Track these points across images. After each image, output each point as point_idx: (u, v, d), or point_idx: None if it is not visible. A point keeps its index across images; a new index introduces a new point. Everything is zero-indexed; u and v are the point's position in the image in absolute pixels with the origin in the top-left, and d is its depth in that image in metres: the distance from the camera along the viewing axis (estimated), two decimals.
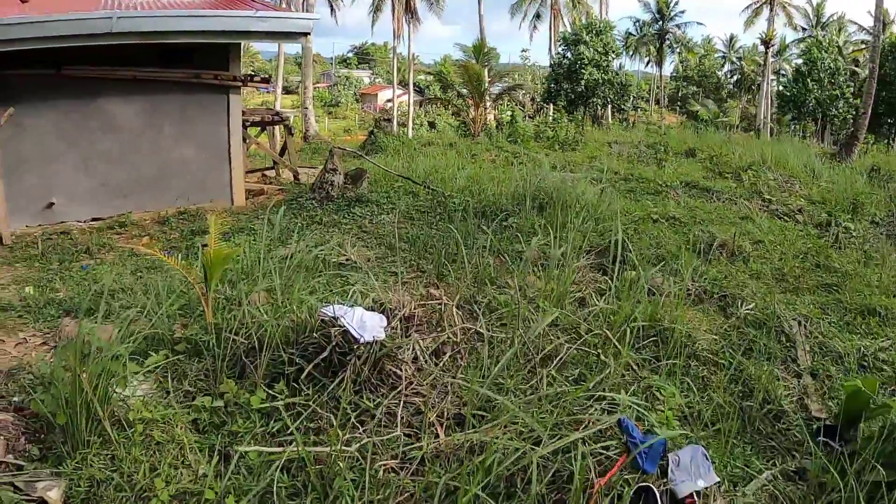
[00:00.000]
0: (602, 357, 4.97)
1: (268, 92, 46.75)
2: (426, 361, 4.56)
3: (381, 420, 4.10)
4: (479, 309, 5.53)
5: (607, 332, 5.21)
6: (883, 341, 5.91)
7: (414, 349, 4.59)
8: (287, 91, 55.14)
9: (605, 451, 3.97)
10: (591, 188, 9.62)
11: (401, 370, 4.37)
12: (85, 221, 10.00)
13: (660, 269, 6.76)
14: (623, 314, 5.43)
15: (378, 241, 8.05)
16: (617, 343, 5.11)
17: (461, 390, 4.40)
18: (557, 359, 4.79)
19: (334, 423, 3.96)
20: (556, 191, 9.12)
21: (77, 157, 10.01)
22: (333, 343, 4.38)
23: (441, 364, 4.61)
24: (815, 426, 4.70)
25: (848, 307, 6.69)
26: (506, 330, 5.26)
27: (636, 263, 6.73)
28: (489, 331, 5.04)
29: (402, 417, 4.11)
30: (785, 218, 10.63)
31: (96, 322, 4.63)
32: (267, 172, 14.94)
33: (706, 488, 3.94)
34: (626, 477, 3.86)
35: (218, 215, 9.90)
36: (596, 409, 4.29)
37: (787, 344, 5.80)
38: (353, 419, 4.10)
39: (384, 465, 3.75)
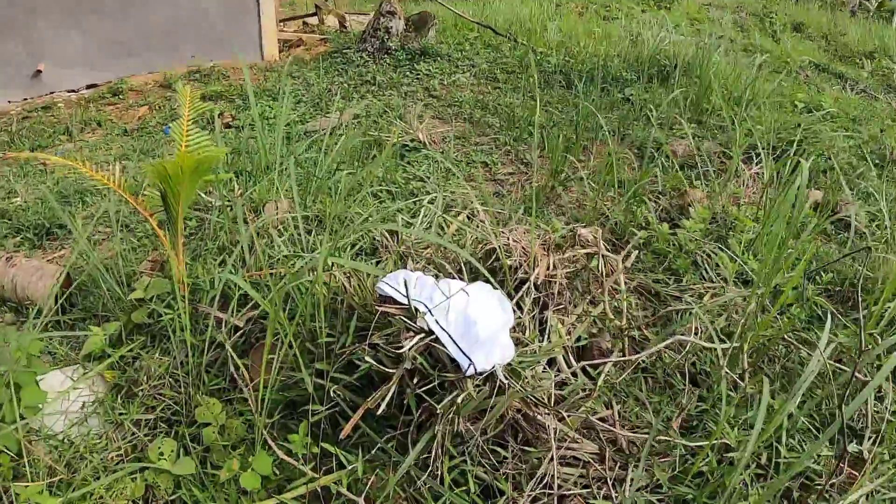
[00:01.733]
0: None
1: None
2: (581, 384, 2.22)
3: None
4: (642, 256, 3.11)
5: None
6: None
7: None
8: None
9: None
10: (726, 60, 6.74)
11: (545, 423, 2.02)
12: (79, 90, 7.61)
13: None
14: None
15: (454, 112, 5.50)
16: None
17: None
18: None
19: None
20: (683, 57, 6.36)
21: (65, 9, 7.47)
22: (406, 367, 2.02)
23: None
24: None
25: None
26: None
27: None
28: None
29: None
30: None
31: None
32: (308, 20, 12.23)
33: None
34: None
35: (235, 72, 7.49)
36: None
37: None
38: None
39: None
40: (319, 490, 2.04)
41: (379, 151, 4.42)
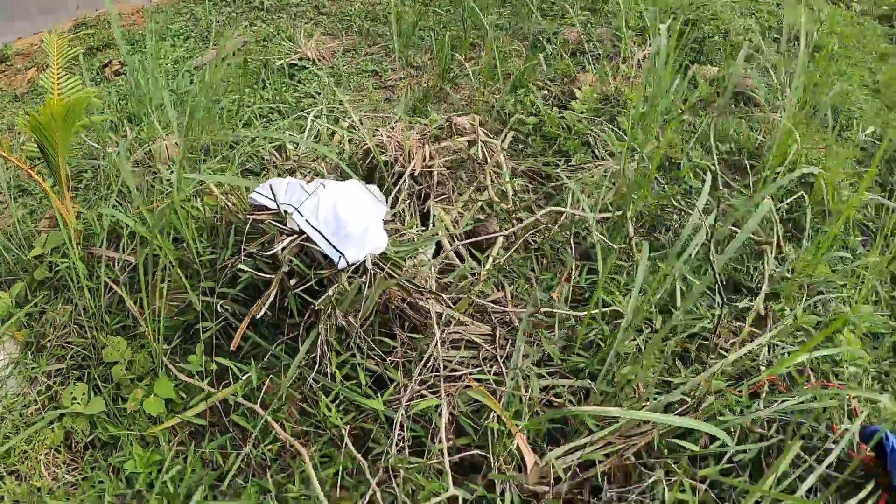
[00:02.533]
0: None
1: None
2: (468, 269, 2.26)
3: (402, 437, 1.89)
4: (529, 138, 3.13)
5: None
6: None
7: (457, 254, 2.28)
8: None
9: None
10: None
11: (429, 309, 2.07)
12: None
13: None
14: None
15: (344, 27, 5.37)
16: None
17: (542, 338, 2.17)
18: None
19: (308, 467, 1.74)
20: None
21: None
22: (284, 270, 2.03)
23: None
24: None
25: None
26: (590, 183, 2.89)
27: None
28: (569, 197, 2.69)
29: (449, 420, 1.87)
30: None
31: None
32: None
33: None
34: None
35: (125, 19, 7.15)
36: None
37: None
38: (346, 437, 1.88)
39: None
40: (219, 404, 2.07)
41: (268, 74, 4.32)
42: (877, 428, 1.94)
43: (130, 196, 2.88)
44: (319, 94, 4.00)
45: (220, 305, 2.12)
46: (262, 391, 2.00)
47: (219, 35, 5.43)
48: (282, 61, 4.48)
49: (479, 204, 2.57)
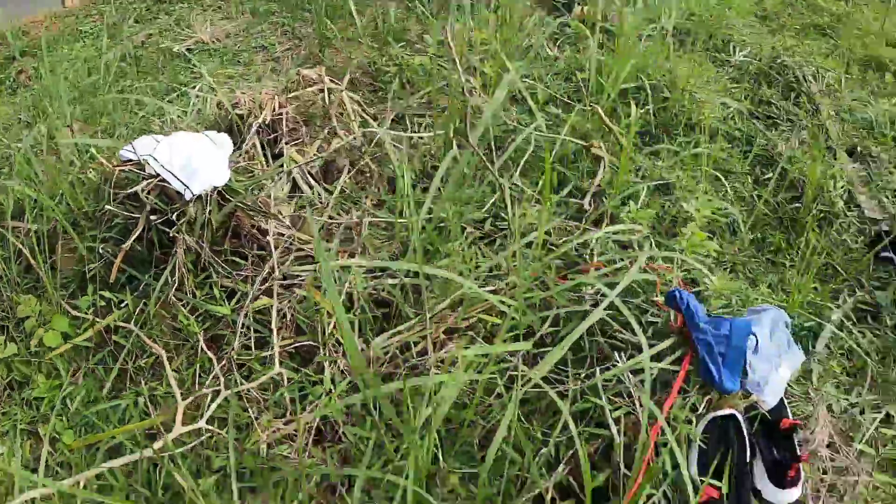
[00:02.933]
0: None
1: None
2: (317, 196, 2.67)
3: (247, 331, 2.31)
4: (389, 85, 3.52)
5: (595, 105, 3.23)
6: None
7: (291, 178, 2.68)
8: None
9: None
10: None
11: (268, 228, 2.48)
12: None
13: None
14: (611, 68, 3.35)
15: (240, 10, 5.69)
16: (609, 123, 3.15)
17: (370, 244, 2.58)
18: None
19: (166, 365, 2.15)
20: None
21: None
22: (147, 209, 2.43)
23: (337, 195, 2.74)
24: (870, 231, 3.01)
25: (850, 58, 4.44)
26: (435, 115, 3.29)
27: None
28: (412, 125, 3.09)
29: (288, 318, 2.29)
30: None
31: None
32: None
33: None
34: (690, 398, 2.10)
35: (37, 27, 7.40)
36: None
37: (809, 106, 3.77)
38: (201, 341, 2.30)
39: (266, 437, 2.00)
40: (104, 331, 2.47)
41: (166, 62, 4.66)
42: (674, 290, 2.23)
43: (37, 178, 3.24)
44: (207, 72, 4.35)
45: (102, 248, 2.50)
46: (136, 312, 2.41)
47: (120, 30, 5.75)
48: (178, 47, 4.83)
49: (335, 144, 2.97)
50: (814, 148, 3.23)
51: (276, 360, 2.10)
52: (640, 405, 1.98)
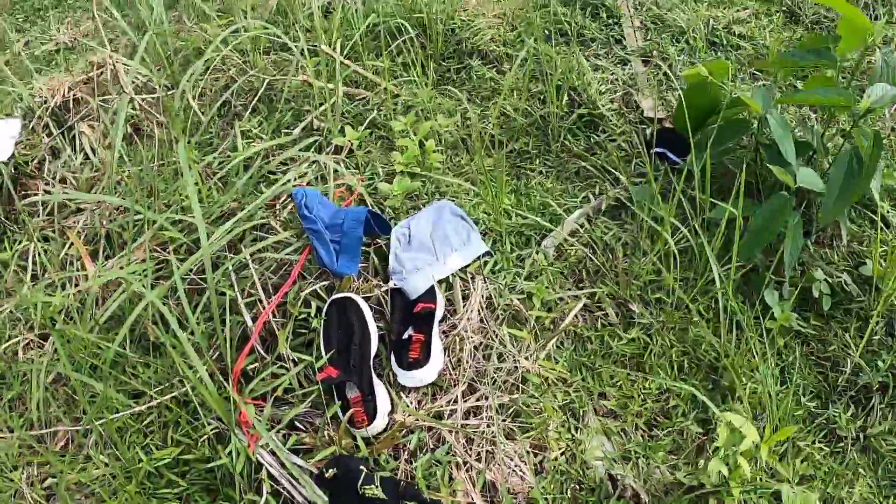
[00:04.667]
0: None
1: None
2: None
3: None
4: None
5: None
6: (741, 10, 3.80)
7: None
8: None
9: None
10: None
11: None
12: None
13: None
14: None
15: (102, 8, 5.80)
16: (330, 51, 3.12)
17: None
18: None
19: None
20: None
21: None
22: None
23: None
24: (648, 131, 2.91)
25: None
26: None
27: None
28: None
29: None
30: None
31: None
32: None
33: (468, 267, 2.28)
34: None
35: None
36: None
37: (609, 20, 3.62)
38: None
39: None
40: None
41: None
42: (297, 189, 2.30)
43: None
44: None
45: None
46: None
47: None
48: (38, 51, 4.97)
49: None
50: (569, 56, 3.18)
51: None
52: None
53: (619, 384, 2.15)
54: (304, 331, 2.11)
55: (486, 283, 2.21)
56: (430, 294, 2.09)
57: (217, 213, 2.45)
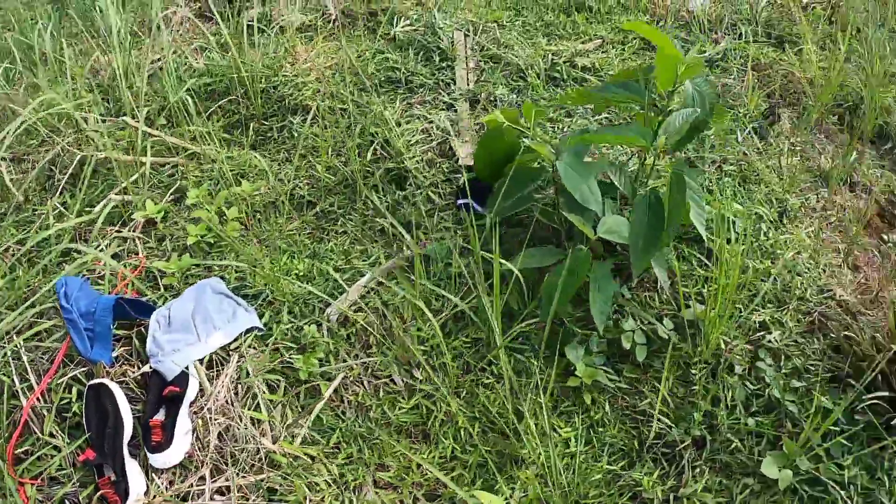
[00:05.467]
0: None
1: None
2: None
3: None
4: None
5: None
6: (587, 41, 3.86)
7: None
8: None
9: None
10: None
11: None
12: None
13: None
14: None
15: None
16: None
17: None
18: None
19: None
20: None
21: None
22: None
23: None
24: (462, 181, 2.82)
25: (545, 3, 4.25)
26: None
27: None
28: None
29: None
30: None
31: None
32: None
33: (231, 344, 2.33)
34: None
35: None
36: None
37: (442, 64, 3.65)
38: None
39: None
40: None
41: None
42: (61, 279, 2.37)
43: None
44: None
45: None
46: None
47: None
48: None
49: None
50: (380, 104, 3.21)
51: None
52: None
53: (398, 454, 2.14)
54: (77, 414, 2.18)
55: (242, 360, 2.29)
56: (181, 377, 2.16)
57: (13, 298, 2.49)
